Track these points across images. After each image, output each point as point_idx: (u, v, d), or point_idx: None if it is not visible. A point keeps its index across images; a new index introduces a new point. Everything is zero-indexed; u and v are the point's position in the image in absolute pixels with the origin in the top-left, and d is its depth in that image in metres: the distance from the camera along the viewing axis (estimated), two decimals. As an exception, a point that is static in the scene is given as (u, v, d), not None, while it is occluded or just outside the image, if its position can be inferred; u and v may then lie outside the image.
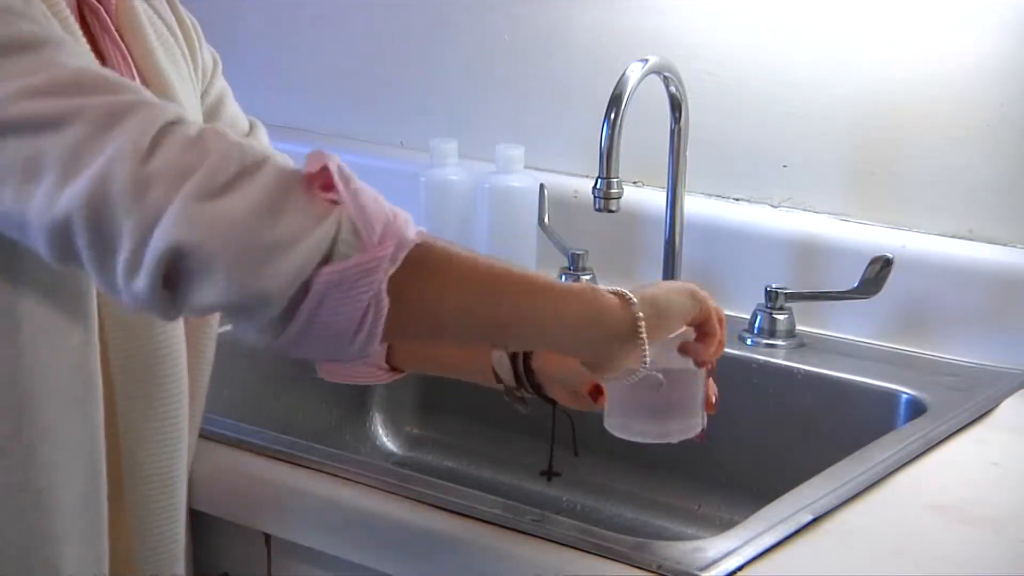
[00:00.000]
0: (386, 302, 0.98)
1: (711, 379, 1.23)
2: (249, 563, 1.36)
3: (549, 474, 1.37)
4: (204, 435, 1.37)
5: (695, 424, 1.22)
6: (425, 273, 1.02)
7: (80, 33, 1.14)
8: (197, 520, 1.36)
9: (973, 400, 1.51)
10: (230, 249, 0.94)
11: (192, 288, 0.96)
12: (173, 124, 0.98)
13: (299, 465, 1.33)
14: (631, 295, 1.12)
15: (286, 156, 1.08)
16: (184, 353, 1.24)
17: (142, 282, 0.95)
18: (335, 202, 0.98)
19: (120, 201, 0.95)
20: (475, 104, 2.01)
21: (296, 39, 2.19)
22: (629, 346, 1.12)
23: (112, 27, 1.20)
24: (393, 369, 1.39)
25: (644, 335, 1.11)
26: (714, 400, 1.23)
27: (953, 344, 1.64)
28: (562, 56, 1.92)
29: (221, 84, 1.39)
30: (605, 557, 1.16)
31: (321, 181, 0.98)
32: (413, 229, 1.01)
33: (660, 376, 1.17)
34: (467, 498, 1.26)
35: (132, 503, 1.23)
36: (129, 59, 1.21)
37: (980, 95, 1.63)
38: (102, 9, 1.19)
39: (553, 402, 1.33)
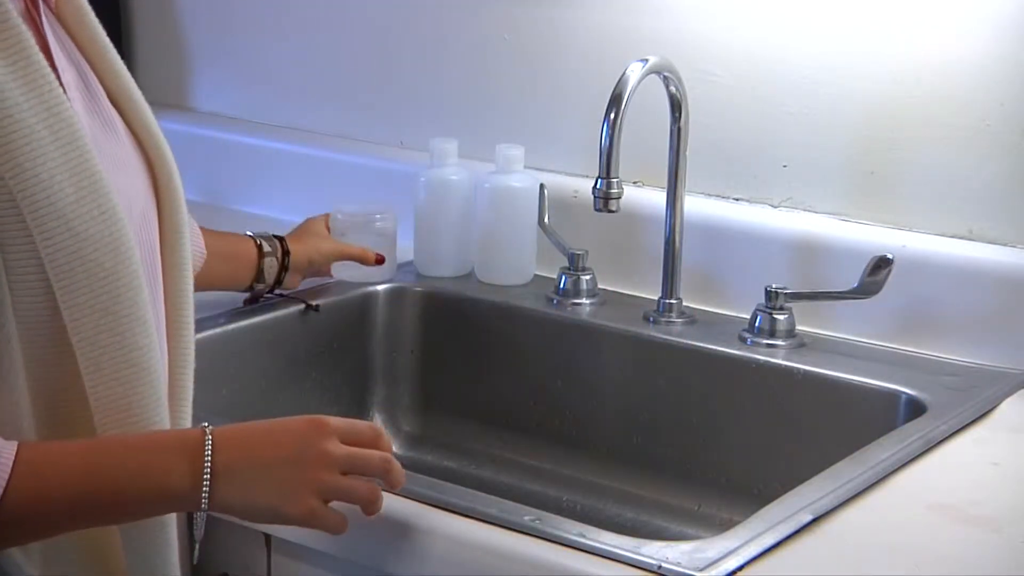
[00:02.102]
0: None
1: None
2: (249, 563, 1.36)
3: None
4: (204, 435, 1.37)
5: None
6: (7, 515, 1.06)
7: (23, 28, 1.12)
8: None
9: (973, 400, 1.51)
10: None
11: None
12: None
13: (299, 465, 1.33)
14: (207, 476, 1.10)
15: None
16: (158, 361, 1.22)
17: None
18: None
19: None
20: (475, 104, 2.01)
21: (296, 39, 2.19)
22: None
23: (53, 16, 1.20)
24: None
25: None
26: None
27: (953, 344, 1.64)
28: (562, 56, 1.92)
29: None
30: (605, 557, 1.16)
31: None
32: None
33: None
34: (467, 498, 1.26)
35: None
36: (75, 50, 1.21)
37: (980, 95, 1.63)
38: (42, 2, 1.19)
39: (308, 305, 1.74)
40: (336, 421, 1.15)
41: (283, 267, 1.74)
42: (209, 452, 1.11)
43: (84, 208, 1.11)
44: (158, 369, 1.19)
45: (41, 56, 1.12)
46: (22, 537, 1.13)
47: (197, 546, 1.28)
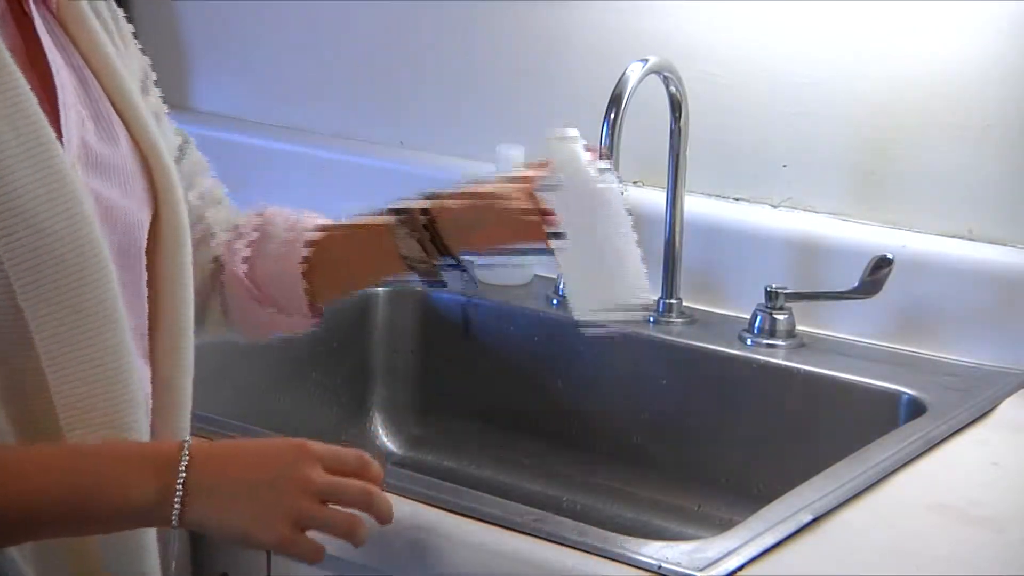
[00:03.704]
0: None
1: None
2: (249, 563, 1.36)
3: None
4: (204, 435, 1.36)
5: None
6: None
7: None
8: (197, 520, 1.36)
9: (973, 400, 1.51)
10: None
11: None
12: None
13: (299, 465, 1.33)
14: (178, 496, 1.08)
15: None
16: (129, 363, 1.19)
17: None
18: None
19: None
20: (475, 104, 2.01)
21: (296, 39, 2.19)
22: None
23: (53, 19, 1.20)
24: (314, 309, 1.41)
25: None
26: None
27: (953, 344, 1.64)
28: (562, 56, 1.92)
29: (154, 102, 1.37)
30: (605, 557, 1.16)
31: None
32: None
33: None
34: (467, 498, 1.26)
35: None
36: (56, 54, 1.19)
37: (980, 95, 1.63)
38: (43, 4, 1.19)
39: (463, 269, 1.37)
40: (320, 447, 1.12)
41: (432, 237, 1.36)
42: (184, 468, 1.09)
43: (47, 204, 1.10)
44: (128, 371, 1.16)
45: (8, 56, 1.11)
46: None
47: (173, 564, 1.27)
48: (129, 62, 1.30)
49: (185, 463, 1.09)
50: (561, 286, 1.25)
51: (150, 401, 1.22)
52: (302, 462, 1.11)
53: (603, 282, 1.27)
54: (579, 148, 1.26)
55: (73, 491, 1.09)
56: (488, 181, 1.37)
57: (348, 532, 1.13)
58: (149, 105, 1.33)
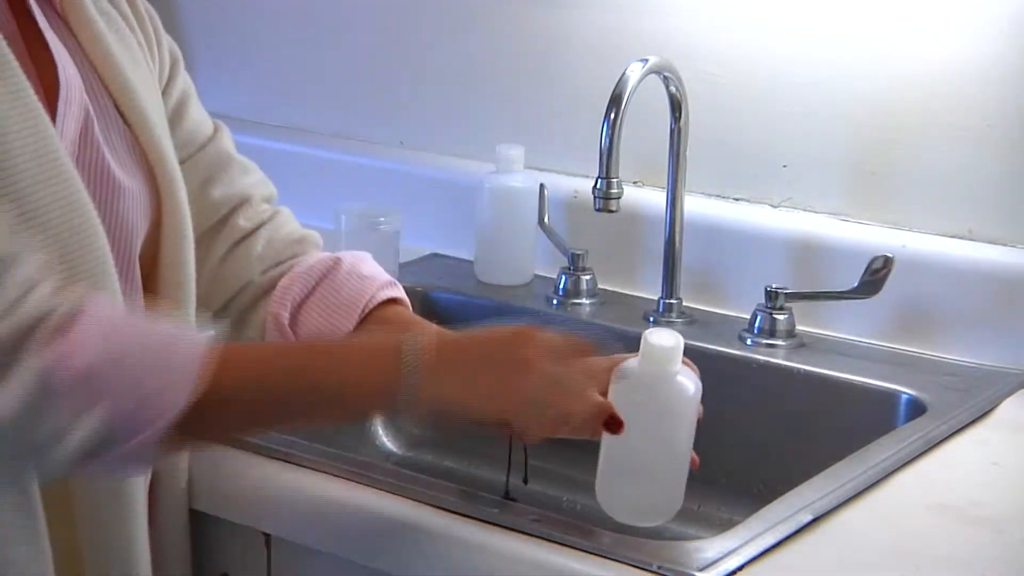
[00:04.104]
0: (164, 454, 1.06)
1: None
2: (249, 563, 1.36)
3: (507, 494, 1.35)
4: (204, 435, 1.37)
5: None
6: (213, 405, 1.05)
7: None
8: (197, 520, 1.36)
9: (973, 400, 1.51)
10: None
11: None
12: None
13: (299, 465, 1.33)
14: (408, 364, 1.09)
15: (60, 299, 1.04)
16: None
17: None
18: (94, 391, 1.01)
19: None
20: (475, 104, 2.01)
21: (296, 39, 2.19)
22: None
23: (57, 17, 1.21)
24: None
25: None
26: (701, 422, 1.21)
27: (953, 344, 1.64)
28: (562, 56, 1.92)
29: (183, 84, 1.37)
30: (605, 557, 1.16)
31: (77, 366, 1.00)
32: (183, 377, 1.04)
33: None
34: (467, 498, 1.26)
35: (81, 518, 1.21)
36: (61, 48, 1.20)
37: (980, 95, 1.63)
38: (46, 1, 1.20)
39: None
40: (544, 334, 1.14)
41: None
42: (412, 351, 1.10)
43: (44, 190, 1.10)
44: None
45: (7, 48, 1.12)
46: (216, 430, 1.12)
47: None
48: (146, 53, 1.30)
49: (413, 348, 1.10)
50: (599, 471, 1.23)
51: None
52: (527, 347, 1.12)
53: (640, 486, 1.22)
54: (678, 353, 1.18)
55: (318, 371, 1.11)
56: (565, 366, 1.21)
57: (595, 416, 1.14)
58: (175, 90, 1.34)
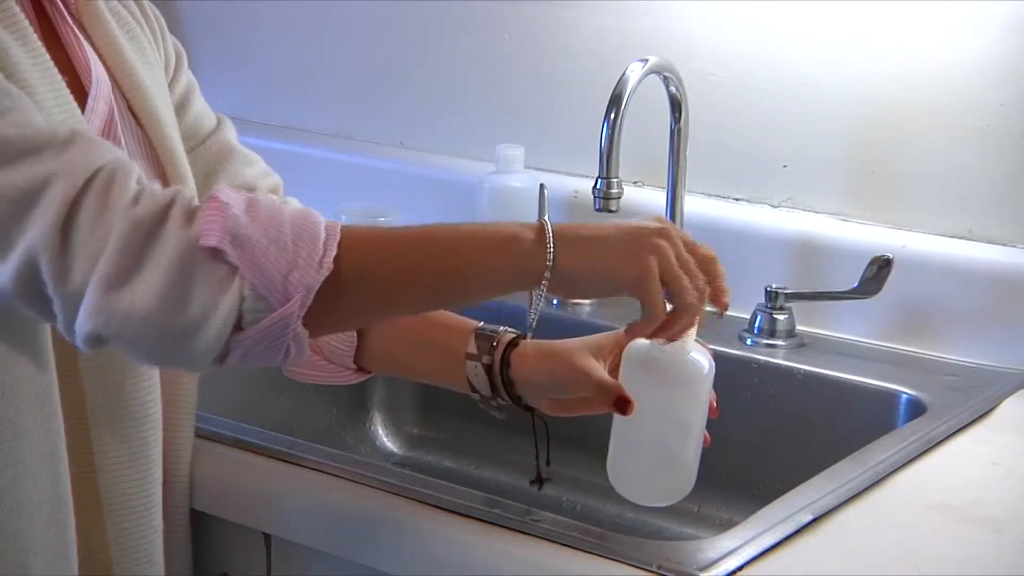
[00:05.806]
0: (305, 335, 1.05)
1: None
2: (249, 563, 1.36)
3: (539, 482, 1.34)
4: (204, 435, 1.37)
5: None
6: (348, 279, 1.06)
7: (30, 31, 1.15)
8: (197, 520, 1.36)
9: (973, 400, 1.51)
10: (146, 337, 1.02)
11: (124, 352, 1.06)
12: (87, 190, 1.02)
13: (299, 465, 1.33)
14: (551, 238, 1.10)
15: (181, 191, 1.07)
16: (156, 380, 1.24)
17: (80, 344, 1.05)
18: (235, 267, 1.02)
19: (47, 282, 1.03)
20: (475, 104, 2.01)
21: (296, 39, 2.19)
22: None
23: (71, 18, 1.22)
24: (360, 369, 1.37)
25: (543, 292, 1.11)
26: (714, 404, 1.20)
27: (953, 344, 1.64)
28: (562, 56, 1.92)
29: (187, 79, 1.38)
30: (605, 557, 1.16)
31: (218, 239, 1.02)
32: (318, 251, 1.04)
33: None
34: (467, 498, 1.26)
35: (108, 515, 1.24)
36: (87, 48, 1.22)
37: (980, 95, 1.63)
38: (61, 3, 1.21)
39: (531, 410, 1.30)
40: (677, 231, 1.16)
41: (505, 383, 1.31)
42: (549, 224, 1.11)
43: None
44: (155, 386, 1.22)
45: (44, 50, 1.14)
46: (354, 305, 1.10)
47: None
48: (155, 52, 1.32)
49: (549, 226, 1.11)
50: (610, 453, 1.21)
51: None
52: (660, 231, 1.14)
53: (654, 466, 1.21)
54: (692, 334, 1.17)
55: (453, 241, 1.13)
56: (574, 346, 1.27)
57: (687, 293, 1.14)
58: (179, 85, 1.35)
